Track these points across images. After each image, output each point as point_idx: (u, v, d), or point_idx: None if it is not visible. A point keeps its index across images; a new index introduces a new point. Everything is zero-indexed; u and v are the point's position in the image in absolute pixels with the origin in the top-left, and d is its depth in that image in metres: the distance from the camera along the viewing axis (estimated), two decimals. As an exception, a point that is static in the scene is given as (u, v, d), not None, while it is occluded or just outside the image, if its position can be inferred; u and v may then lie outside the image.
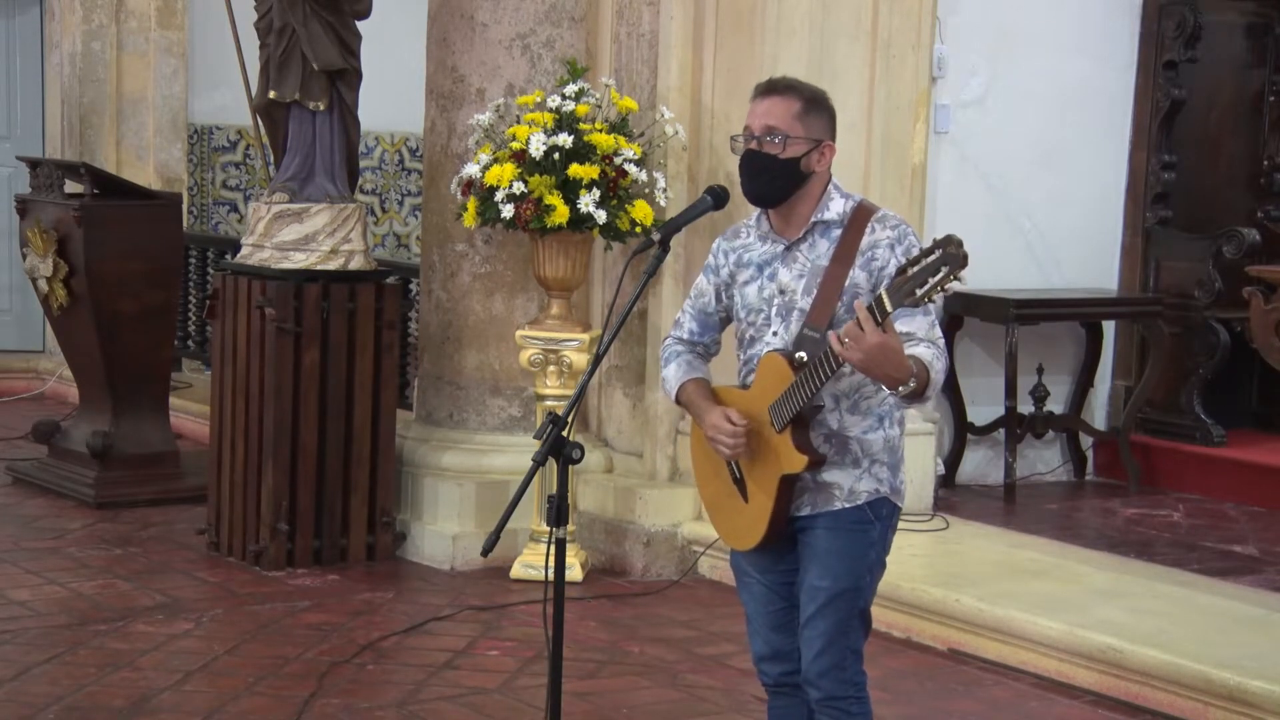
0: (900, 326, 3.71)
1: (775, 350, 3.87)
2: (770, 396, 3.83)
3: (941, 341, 3.79)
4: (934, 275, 3.44)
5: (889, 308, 3.51)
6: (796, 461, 3.82)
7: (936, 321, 3.82)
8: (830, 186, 3.94)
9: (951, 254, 3.42)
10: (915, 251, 3.75)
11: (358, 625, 6.23)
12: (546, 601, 3.86)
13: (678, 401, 4.09)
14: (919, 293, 3.46)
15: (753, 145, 3.92)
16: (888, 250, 3.82)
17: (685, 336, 4.13)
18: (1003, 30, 8.47)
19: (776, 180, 3.90)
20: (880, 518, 3.94)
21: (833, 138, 3.95)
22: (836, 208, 3.91)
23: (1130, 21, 8.90)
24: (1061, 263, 8.77)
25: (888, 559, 4.04)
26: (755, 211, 4.05)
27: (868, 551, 3.94)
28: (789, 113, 3.89)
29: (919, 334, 3.74)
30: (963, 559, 6.82)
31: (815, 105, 3.93)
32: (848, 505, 3.90)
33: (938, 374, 3.71)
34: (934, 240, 3.48)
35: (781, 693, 4.13)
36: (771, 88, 3.96)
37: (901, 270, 3.51)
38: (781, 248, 3.94)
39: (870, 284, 3.80)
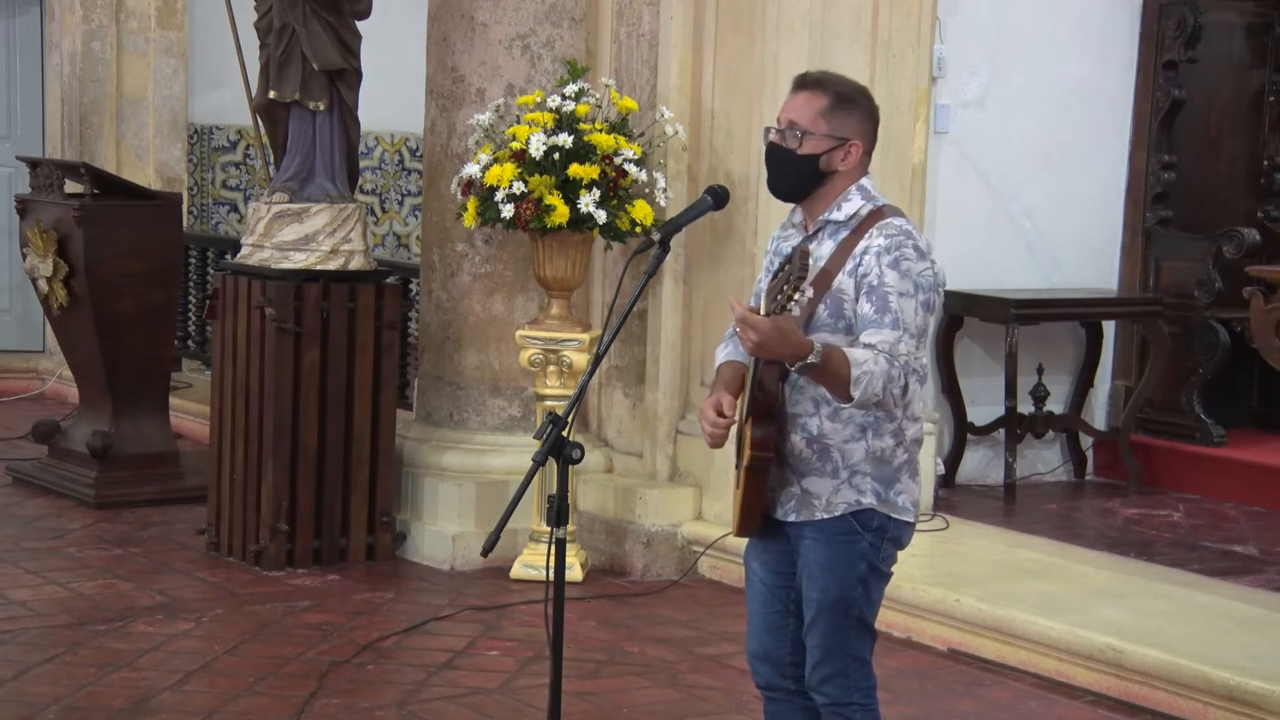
0: (864, 339, 3.72)
1: None
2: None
3: (906, 358, 3.70)
4: (788, 283, 3.53)
5: (762, 312, 3.60)
6: (746, 455, 3.83)
7: (908, 337, 3.73)
8: (854, 187, 3.90)
9: (796, 264, 3.53)
10: (906, 264, 3.77)
11: (358, 625, 6.23)
12: (547, 601, 3.86)
13: None
14: (778, 299, 3.55)
15: (774, 139, 3.91)
16: (874, 259, 3.77)
17: None
18: (1003, 30, 8.47)
19: (792, 175, 3.89)
20: (870, 529, 3.88)
21: (865, 137, 3.90)
22: (849, 209, 3.87)
23: (1130, 21, 8.90)
24: (1061, 263, 8.77)
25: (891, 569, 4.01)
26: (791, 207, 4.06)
27: (856, 564, 3.89)
28: (813, 109, 3.87)
29: (880, 347, 3.70)
30: (963, 559, 6.82)
31: (846, 103, 3.89)
32: (827, 516, 3.87)
33: (866, 375, 3.64)
34: (794, 249, 3.62)
35: (775, 698, 4.12)
36: (802, 82, 3.94)
37: (774, 275, 3.61)
38: (799, 242, 3.94)
39: (855, 292, 3.77)
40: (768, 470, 3.87)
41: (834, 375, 3.65)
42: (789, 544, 3.96)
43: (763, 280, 4.07)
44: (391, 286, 7.26)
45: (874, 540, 3.90)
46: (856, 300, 3.77)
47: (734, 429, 3.94)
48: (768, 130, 3.97)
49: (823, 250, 3.86)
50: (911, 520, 3.96)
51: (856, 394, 3.67)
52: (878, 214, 3.87)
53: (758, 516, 3.93)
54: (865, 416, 3.84)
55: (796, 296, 3.55)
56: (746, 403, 3.83)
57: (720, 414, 3.88)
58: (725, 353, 4.08)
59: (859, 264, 3.78)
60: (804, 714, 4.06)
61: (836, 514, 3.87)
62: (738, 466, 3.99)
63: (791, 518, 3.91)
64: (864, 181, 3.92)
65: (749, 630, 4.14)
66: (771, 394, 3.82)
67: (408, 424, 7.53)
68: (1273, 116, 9.21)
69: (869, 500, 3.88)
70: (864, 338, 3.73)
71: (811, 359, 3.61)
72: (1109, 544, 7.35)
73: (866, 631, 3.97)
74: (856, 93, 3.94)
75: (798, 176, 3.89)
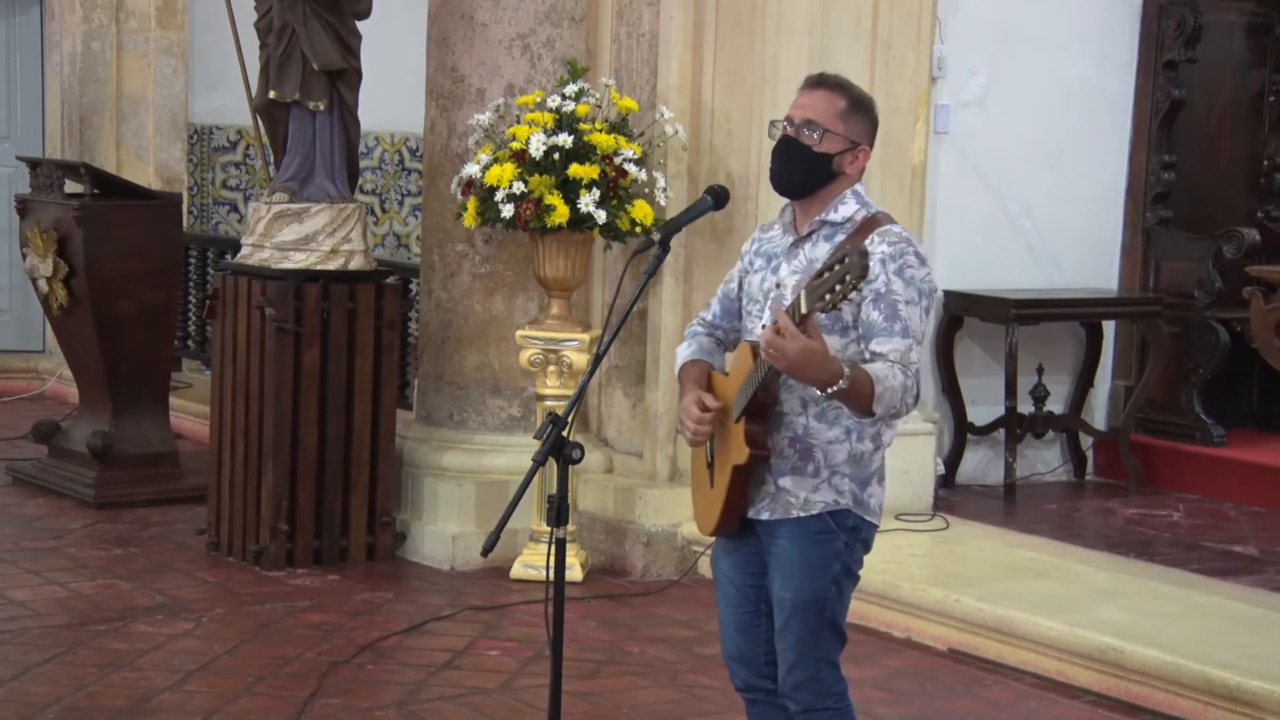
0: (875, 347, 3.73)
1: (748, 340, 3.89)
2: (737, 384, 3.85)
3: (915, 367, 3.74)
4: (840, 283, 3.48)
5: (804, 310, 3.54)
6: (742, 453, 3.82)
7: (915, 344, 3.77)
8: (849, 191, 3.92)
9: (852, 263, 3.47)
10: (910, 271, 3.78)
11: (358, 625, 6.23)
12: (547, 601, 3.86)
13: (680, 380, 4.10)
14: (827, 298, 3.50)
15: (790, 133, 3.91)
16: (880, 265, 3.77)
17: (708, 319, 4.13)
18: (1003, 30, 8.47)
19: (805, 172, 3.89)
20: (845, 529, 3.89)
21: (870, 144, 3.94)
22: (845, 211, 3.89)
23: (1130, 21, 8.91)
24: (1061, 263, 8.77)
25: (875, 559, 4.01)
26: (784, 204, 4.05)
27: (831, 563, 3.90)
28: (832, 109, 3.89)
29: (891, 356, 3.72)
30: (963, 559, 6.82)
31: (860, 108, 3.92)
32: (804, 515, 3.87)
33: (888, 391, 3.65)
34: (844, 248, 3.55)
35: (756, 700, 4.12)
36: (821, 81, 3.96)
37: (818, 274, 3.54)
38: (790, 242, 3.95)
39: (857, 296, 3.76)
40: (759, 468, 3.87)
41: (859, 396, 3.66)
42: (758, 544, 3.97)
43: (733, 280, 4.09)
44: (391, 286, 7.26)
45: (848, 541, 3.92)
46: (858, 305, 3.77)
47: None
48: (774, 124, 3.96)
49: (817, 252, 3.88)
50: (878, 523, 3.98)
51: (879, 410, 3.69)
52: (873, 220, 3.88)
53: (739, 515, 3.94)
54: (850, 419, 3.85)
55: (853, 296, 3.52)
56: (744, 402, 3.82)
57: (704, 410, 3.88)
58: (689, 352, 4.08)
59: None
60: (784, 714, 4.06)
61: (814, 513, 3.88)
62: (709, 464, 3.98)
63: (764, 515, 3.92)
64: (858, 187, 3.95)
65: (722, 632, 4.14)
66: (775, 395, 3.83)
67: (408, 424, 7.53)
68: (1273, 116, 9.22)
69: (846, 501, 3.90)
70: (874, 345, 3.74)
71: (842, 384, 3.60)
72: (1109, 544, 7.35)
73: (837, 634, 3.97)
74: (869, 101, 3.98)
75: (810, 173, 3.89)
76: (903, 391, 3.69)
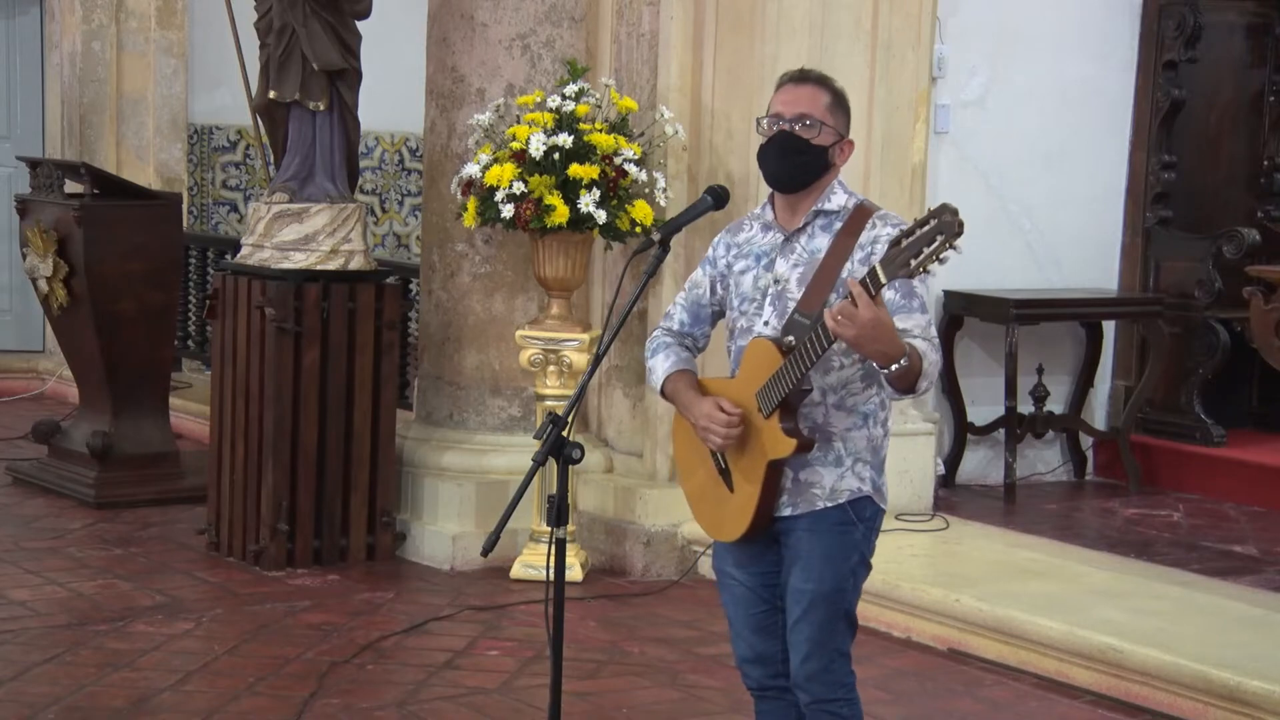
0: (897, 323, 3.71)
1: (763, 336, 3.87)
2: (757, 382, 3.82)
3: (936, 340, 3.79)
4: (929, 245, 3.42)
5: (883, 279, 3.50)
6: (784, 446, 3.79)
7: (933, 321, 3.83)
8: (836, 181, 3.96)
9: (946, 222, 3.39)
10: None
11: (358, 625, 6.23)
12: (547, 601, 3.86)
13: (663, 393, 4.07)
14: (913, 263, 3.44)
15: (785, 128, 3.91)
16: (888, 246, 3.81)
17: (675, 328, 4.13)
18: (1003, 30, 8.48)
19: (806, 165, 3.90)
20: (863, 519, 3.92)
21: (849, 136, 3.98)
22: (838, 200, 3.92)
23: (1130, 21, 8.91)
24: (1061, 263, 8.77)
25: (875, 560, 4.02)
26: (759, 204, 4.06)
27: (851, 553, 3.92)
28: (821, 103, 3.92)
29: (914, 330, 3.74)
30: (963, 559, 6.82)
31: (841, 102, 3.97)
32: (829, 505, 3.89)
33: (930, 365, 3.70)
34: (929, 210, 3.45)
35: (767, 697, 4.12)
36: (805, 77, 3.98)
37: (895, 242, 3.48)
38: (781, 238, 3.95)
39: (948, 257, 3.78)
40: (797, 460, 3.85)
41: (912, 373, 3.68)
42: (769, 540, 3.97)
43: (700, 286, 4.08)
44: (391, 286, 7.26)
45: (865, 531, 3.95)
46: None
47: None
48: (761, 121, 3.95)
49: (816, 244, 3.88)
50: (886, 509, 4.01)
51: (923, 386, 3.73)
52: (864, 207, 3.92)
53: (771, 512, 3.91)
54: (868, 405, 3.89)
55: (945, 256, 3.43)
56: (777, 396, 3.77)
57: (726, 413, 3.87)
58: (669, 363, 4.06)
59: (870, 253, 3.79)
60: (795, 710, 4.06)
61: (840, 502, 3.89)
62: (723, 470, 3.95)
63: (787, 511, 3.91)
64: (841, 178, 3.99)
65: (733, 635, 4.13)
66: (810, 389, 3.82)
67: (408, 424, 7.53)
68: (1273, 116, 9.22)
69: (867, 489, 3.93)
70: (896, 321, 3.72)
71: (904, 362, 3.61)
72: (1109, 544, 7.35)
73: (851, 625, 4.00)
74: (845, 95, 4.01)
75: (809, 166, 3.91)
76: (935, 368, 3.74)
